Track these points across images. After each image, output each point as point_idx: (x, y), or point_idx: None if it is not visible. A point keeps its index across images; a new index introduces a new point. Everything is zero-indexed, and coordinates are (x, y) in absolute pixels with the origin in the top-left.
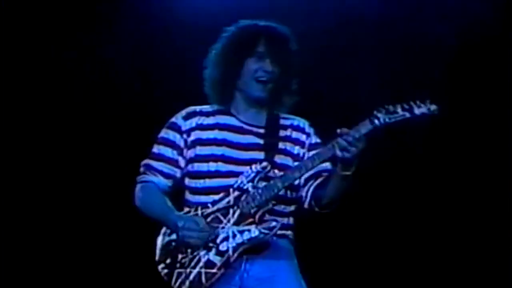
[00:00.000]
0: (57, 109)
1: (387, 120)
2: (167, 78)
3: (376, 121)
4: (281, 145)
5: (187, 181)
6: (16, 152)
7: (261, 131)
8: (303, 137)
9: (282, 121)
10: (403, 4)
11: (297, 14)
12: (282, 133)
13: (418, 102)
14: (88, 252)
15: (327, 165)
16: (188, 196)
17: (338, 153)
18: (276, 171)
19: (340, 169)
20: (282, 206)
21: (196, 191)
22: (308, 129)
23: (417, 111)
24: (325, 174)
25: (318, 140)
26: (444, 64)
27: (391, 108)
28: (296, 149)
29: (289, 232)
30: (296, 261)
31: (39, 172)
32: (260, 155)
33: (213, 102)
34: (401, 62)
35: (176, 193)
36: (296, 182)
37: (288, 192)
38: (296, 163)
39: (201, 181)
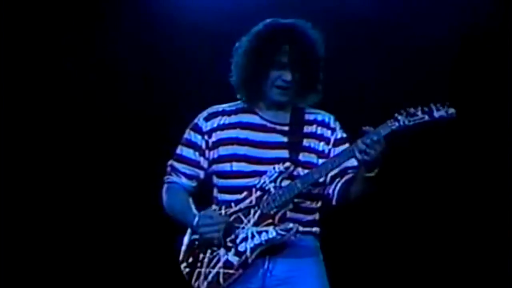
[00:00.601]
0: (60, 109)
1: (406, 122)
2: (171, 79)
3: (396, 124)
4: (305, 142)
5: (215, 179)
6: (18, 152)
7: (285, 128)
8: (328, 133)
9: (307, 117)
10: (404, 4)
11: (296, 13)
12: (307, 129)
13: (437, 105)
14: (102, 253)
15: (352, 162)
16: (217, 194)
17: (358, 155)
18: (300, 169)
19: (363, 171)
20: (308, 202)
21: (223, 189)
22: (333, 124)
23: (436, 114)
24: (350, 171)
25: (344, 135)
26: (445, 63)
27: (411, 110)
28: (321, 146)
29: (314, 229)
30: (321, 258)
31: (48, 173)
32: (284, 153)
33: (240, 97)
34: (401, 61)
35: (204, 191)
36: (322, 179)
37: (313, 189)
38: (321, 160)
39: (227, 180)
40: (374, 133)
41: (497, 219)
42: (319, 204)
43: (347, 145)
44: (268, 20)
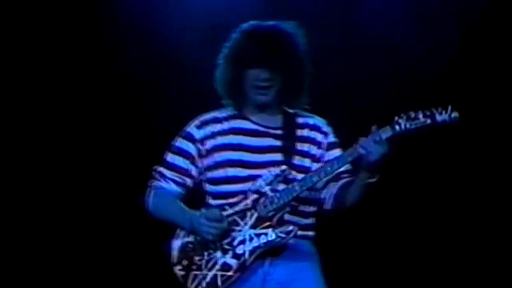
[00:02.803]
0: (59, 109)
1: (408, 126)
2: (172, 79)
3: (397, 127)
4: (298, 146)
5: (207, 187)
6: (20, 152)
7: (278, 132)
8: (319, 137)
9: (299, 120)
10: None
11: (297, 13)
12: (299, 133)
13: (439, 109)
14: (93, 254)
15: (347, 166)
16: (210, 200)
17: (361, 151)
18: (294, 172)
19: (364, 177)
20: (304, 206)
21: (217, 195)
22: (325, 128)
23: (438, 118)
24: (344, 175)
25: (336, 140)
26: (445, 64)
27: (412, 114)
28: (314, 150)
29: (310, 233)
30: (318, 262)
31: (47, 173)
32: (278, 157)
33: (227, 104)
34: (401, 63)
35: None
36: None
37: (309, 193)
38: (314, 164)
39: (222, 186)
40: (375, 134)
41: (497, 220)
42: (313, 208)
43: (338, 149)
44: (245, 24)
